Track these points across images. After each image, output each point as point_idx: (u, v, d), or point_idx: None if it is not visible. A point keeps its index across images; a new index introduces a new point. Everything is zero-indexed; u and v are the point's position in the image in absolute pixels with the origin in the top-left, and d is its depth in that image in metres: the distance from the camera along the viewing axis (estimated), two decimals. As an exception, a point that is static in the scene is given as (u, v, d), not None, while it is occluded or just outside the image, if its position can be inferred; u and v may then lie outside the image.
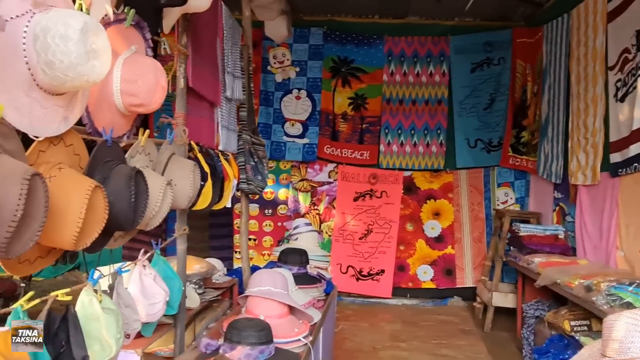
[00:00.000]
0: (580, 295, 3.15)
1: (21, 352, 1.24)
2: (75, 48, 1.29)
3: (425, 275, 5.83)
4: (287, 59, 5.88)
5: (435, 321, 5.25)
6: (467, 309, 5.63)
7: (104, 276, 1.74)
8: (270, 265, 3.92)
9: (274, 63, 5.88)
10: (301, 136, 5.89)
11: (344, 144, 5.94)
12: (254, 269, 4.16)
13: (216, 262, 3.40)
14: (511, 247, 4.91)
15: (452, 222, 5.85)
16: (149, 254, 2.04)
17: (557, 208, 4.84)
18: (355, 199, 5.91)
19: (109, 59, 1.41)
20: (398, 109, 5.86)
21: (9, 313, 1.34)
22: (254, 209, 5.83)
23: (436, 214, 5.87)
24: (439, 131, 5.84)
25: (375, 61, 5.88)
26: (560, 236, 4.52)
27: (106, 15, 1.57)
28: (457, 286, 5.83)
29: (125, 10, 1.78)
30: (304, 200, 5.97)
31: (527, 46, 5.45)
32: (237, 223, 5.85)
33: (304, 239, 3.60)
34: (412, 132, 5.86)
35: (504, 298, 4.98)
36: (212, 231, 5.75)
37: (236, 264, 5.66)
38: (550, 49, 4.89)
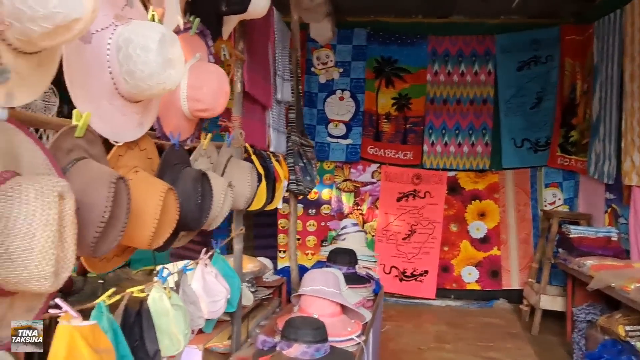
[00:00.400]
0: (638, 300, 3.07)
1: (107, 344, 1.32)
2: (155, 58, 1.36)
3: (470, 276, 5.77)
4: (331, 60, 5.93)
5: (481, 323, 5.20)
6: (513, 311, 5.54)
7: (172, 274, 1.82)
8: (319, 264, 3.98)
9: (318, 64, 5.93)
10: (344, 137, 5.92)
11: (387, 144, 5.94)
12: (300, 268, 4.23)
13: (266, 262, 3.47)
14: (560, 249, 4.80)
15: (498, 223, 5.77)
16: (210, 253, 2.12)
17: (609, 209, 4.71)
18: (399, 199, 5.90)
19: (182, 67, 1.48)
20: (442, 108, 5.82)
21: (92, 308, 1.43)
22: (298, 208, 5.89)
23: (481, 215, 5.80)
24: (484, 131, 5.77)
25: (419, 61, 5.85)
26: (613, 238, 4.40)
27: (177, 25, 1.64)
28: (503, 288, 5.74)
29: (191, 19, 1.86)
30: (347, 201, 6.01)
31: (577, 43, 5.32)
32: (281, 223, 5.94)
33: (352, 239, 3.63)
34: (457, 132, 5.81)
35: (552, 301, 4.88)
36: (257, 231, 5.84)
37: (280, 263, 5.75)
38: (602, 46, 4.76)
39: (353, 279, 3.11)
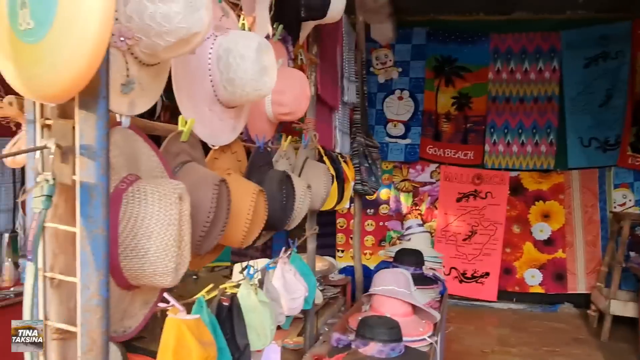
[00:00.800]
0: None
1: (209, 337, 1.40)
2: (252, 66, 1.43)
3: (533, 279, 5.62)
4: (390, 60, 5.92)
5: (545, 327, 5.06)
6: (580, 316, 5.36)
7: (258, 271, 1.89)
8: (383, 265, 4.00)
9: (377, 64, 5.94)
10: (403, 137, 5.90)
11: (446, 144, 5.87)
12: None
13: (333, 261, 3.52)
14: (632, 253, 4.61)
15: (563, 225, 5.59)
16: (289, 252, 2.18)
17: (686, 212, 4.49)
18: (459, 200, 5.83)
19: (275, 74, 1.54)
20: (504, 107, 5.70)
21: (191, 302, 1.51)
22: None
23: (545, 216, 5.64)
24: (548, 130, 5.61)
25: (480, 59, 5.75)
26: (691, 242, 4.19)
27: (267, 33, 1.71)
28: (568, 292, 5.55)
29: (275, 25, 1.93)
30: (405, 201, 5.98)
31: (649, 38, 5.09)
32: (339, 222, 5.99)
33: (417, 239, 3.64)
34: (520, 131, 5.67)
35: (623, 306, 4.69)
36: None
37: (338, 263, 5.79)
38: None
39: (420, 280, 3.12)
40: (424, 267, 3.26)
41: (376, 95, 5.93)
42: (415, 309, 2.64)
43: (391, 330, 2.23)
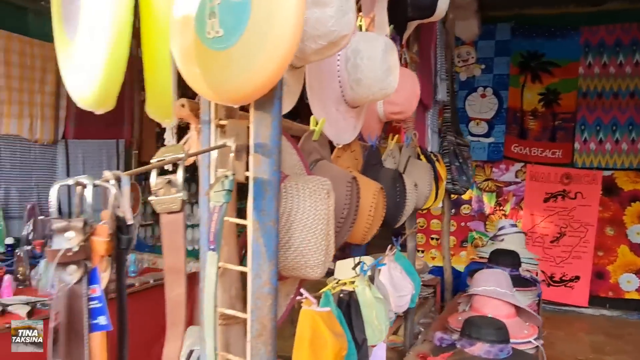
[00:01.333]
0: None
1: (340, 329, 1.45)
2: (379, 66, 1.47)
3: (629, 284, 5.31)
4: (472, 57, 5.79)
5: (644, 336, 4.78)
6: (683, 325, 5.02)
7: (368, 266, 1.92)
8: (473, 266, 3.93)
9: (458, 62, 5.82)
10: (487, 135, 5.76)
11: (533, 142, 5.67)
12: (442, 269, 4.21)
13: (425, 261, 3.50)
14: None
15: (663, 227, 5.25)
16: (393, 250, 2.20)
17: None
18: (546, 200, 5.61)
19: (398, 73, 1.57)
20: (597, 103, 5.42)
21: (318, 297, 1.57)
22: (437, 208, 5.84)
23: (643, 218, 5.32)
24: (646, 126, 5.29)
25: (569, 53, 5.50)
26: None
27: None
28: (669, 299, 5.22)
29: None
30: (488, 201, 5.84)
31: None
32: (419, 222, 5.93)
33: (511, 240, 3.55)
34: (614, 128, 5.37)
35: None
36: (395, 229, 5.88)
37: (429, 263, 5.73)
38: None
39: (517, 282, 3.03)
40: (520, 269, 3.18)
41: (457, 93, 5.80)
42: (519, 310, 2.58)
43: (499, 331, 2.20)
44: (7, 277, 2.89)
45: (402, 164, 2.31)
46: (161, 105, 0.74)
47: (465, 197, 5.88)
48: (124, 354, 0.74)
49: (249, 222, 0.97)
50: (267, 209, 0.95)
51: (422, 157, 2.73)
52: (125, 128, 4.27)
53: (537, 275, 3.51)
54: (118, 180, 0.71)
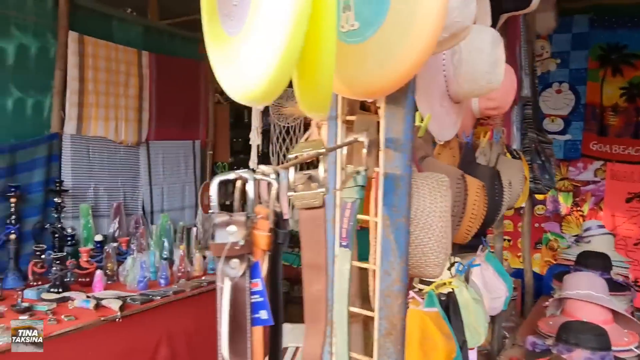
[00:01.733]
0: None
1: (448, 330, 1.41)
2: (487, 59, 1.41)
3: None
4: (546, 52, 5.56)
5: None
6: None
7: (463, 267, 1.87)
8: (556, 268, 3.77)
9: (532, 57, 5.60)
10: (562, 132, 5.51)
11: (614, 139, 5.36)
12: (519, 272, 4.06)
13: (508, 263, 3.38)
14: None
15: None
16: (485, 251, 2.13)
17: None
18: (628, 200, 5.29)
19: (504, 67, 1.51)
20: (685, 97, 5.08)
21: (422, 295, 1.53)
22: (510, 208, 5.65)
23: None
24: None
25: (655, 44, 5.18)
26: None
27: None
28: None
29: (480, 19, 1.89)
30: (564, 201, 5.58)
31: None
32: (490, 223, 5.75)
33: (598, 241, 3.37)
34: None
35: None
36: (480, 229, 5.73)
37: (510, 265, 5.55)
38: None
39: (610, 286, 2.87)
40: (612, 272, 3.01)
41: (538, 89, 5.60)
42: (617, 316, 2.44)
43: (600, 338, 2.09)
44: (99, 272, 3.03)
45: (493, 161, 2.23)
46: (319, 97, 0.73)
47: (539, 197, 5.65)
48: (278, 348, 0.74)
49: (379, 218, 0.95)
50: (399, 205, 0.93)
51: (508, 155, 2.64)
52: (200, 129, 4.39)
53: (628, 279, 3.32)
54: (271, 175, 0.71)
